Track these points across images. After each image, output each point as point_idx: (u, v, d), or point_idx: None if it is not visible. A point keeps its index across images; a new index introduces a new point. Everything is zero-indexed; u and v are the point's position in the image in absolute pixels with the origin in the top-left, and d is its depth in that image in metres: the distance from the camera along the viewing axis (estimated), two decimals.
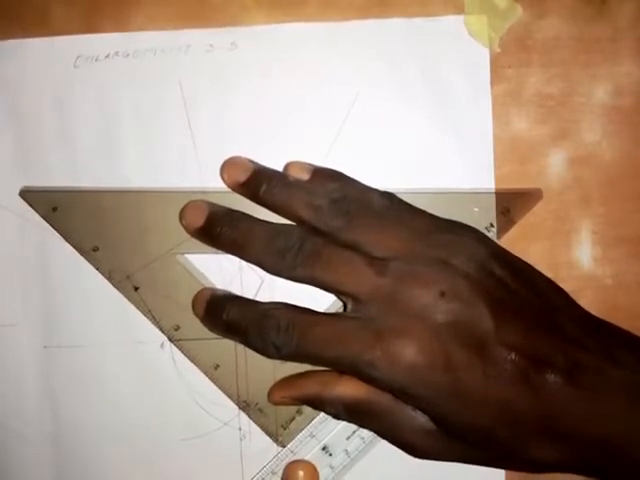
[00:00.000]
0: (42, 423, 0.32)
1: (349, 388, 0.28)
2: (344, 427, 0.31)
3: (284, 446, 0.31)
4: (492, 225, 0.30)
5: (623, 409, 0.25)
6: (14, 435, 0.32)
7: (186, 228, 0.30)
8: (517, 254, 0.29)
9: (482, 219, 0.30)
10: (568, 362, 0.25)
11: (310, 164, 0.30)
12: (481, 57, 0.31)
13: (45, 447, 0.32)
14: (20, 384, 0.32)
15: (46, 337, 0.32)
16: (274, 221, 0.29)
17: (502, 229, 0.31)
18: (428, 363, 0.25)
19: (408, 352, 0.25)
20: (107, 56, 0.31)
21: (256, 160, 0.31)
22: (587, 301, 0.30)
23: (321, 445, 0.31)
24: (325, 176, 0.29)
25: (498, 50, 0.31)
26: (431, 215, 0.29)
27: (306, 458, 0.31)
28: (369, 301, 0.27)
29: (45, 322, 0.32)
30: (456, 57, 0.31)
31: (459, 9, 0.31)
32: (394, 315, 0.26)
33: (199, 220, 0.29)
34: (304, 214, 0.28)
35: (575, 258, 0.32)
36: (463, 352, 0.25)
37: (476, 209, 0.30)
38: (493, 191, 0.31)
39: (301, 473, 0.30)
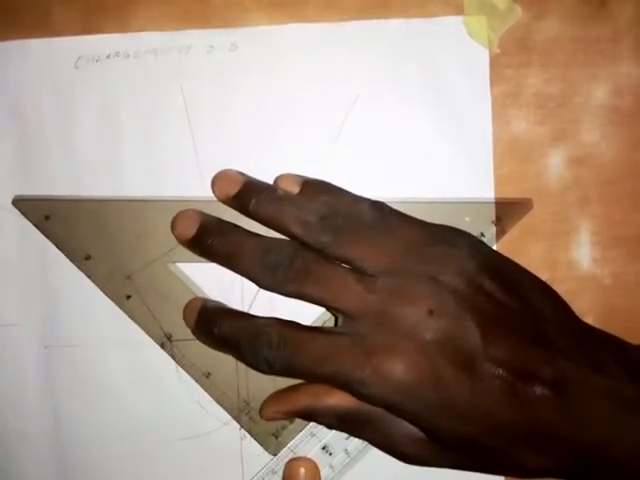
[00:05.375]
0: (43, 422, 0.32)
1: (341, 399, 0.28)
2: None
3: (275, 454, 0.31)
4: (483, 235, 0.30)
5: (607, 417, 0.26)
6: (15, 434, 0.32)
7: (177, 238, 0.30)
8: (516, 255, 0.29)
9: (473, 228, 0.30)
10: (554, 374, 0.26)
11: (300, 176, 0.30)
12: (481, 58, 0.31)
13: (46, 446, 0.32)
14: (21, 384, 0.32)
15: (47, 337, 0.32)
16: (267, 231, 0.29)
17: (493, 238, 0.31)
18: (417, 380, 0.26)
19: (397, 370, 0.26)
20: (108, 57, 0.31)
21: (256, 160, 0.31)
22: (586, 302, 0.30)
23: (321, 444, 0.31)
24: (315, 189, 0.29)
25: (498, 51, 0.31)
26: (423, 223, 0.29)
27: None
28: (359, 317, 0.27)
29: (46, 322, 0.32)
30: (456, 58, 0.31)
31: (458, 10, 0.31)
32: (384, 332, 0.26)
33: (190, 230, 0.29)
34: (294, 230, 0.28)
35: (574, 258, 0.32)
36: (451, 369, 0.26)
37: (467, 218, 0.30)
38: (484, 201, 0.31)
39: (302, 470, 0.30)
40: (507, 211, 0.31)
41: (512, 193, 0.31)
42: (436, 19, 0.31)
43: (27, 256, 0.32)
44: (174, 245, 0.30)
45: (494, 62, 0.31)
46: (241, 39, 0.31)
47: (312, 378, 0.28)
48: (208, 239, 0.29)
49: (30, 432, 0.32)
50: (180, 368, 0.31)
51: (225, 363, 0.30)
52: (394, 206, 0.29)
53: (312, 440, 0.31)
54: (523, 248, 0.31)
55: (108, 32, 0.31)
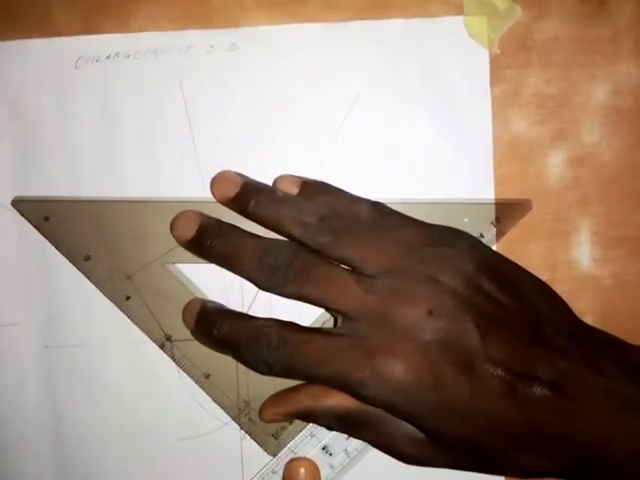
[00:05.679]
0: (43, 422, 0.32)
1: (340, 399, 0.28)
2: None
3: (275, 455, 0.31)
4: (482, 236, 0.30)
5: (607, 417, 0.26)
6: (15, 434, 0.32)
7: (177, 239, 0.30)
8: (516, 255, 0.29)
9: (472, 229, 0.30)
10: (553, 373, 0.26)
11: (299, 177, 0.30)
12: (481, 58, 0.31)
13: (46, 446, 0.32)
14: (21, 383, 0.32)
15: (47, 337, 0.32)
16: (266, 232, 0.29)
17: (492, 239, 0.31)
18: (416, 382, 0.26)
19: (396, 371, 0.26)
20: (108, 57, 0.31)
21: (256, 160, 0.31)
22: (586, 302, 0.30)
23: (321, 445, 0.31)
24: (314, 190, 0.29)
25: (498, 51, 0.31)
26: (422, 224, 0.29)
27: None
28: (359, 318, 0.27)
29: (46, 322, 0.32)
30: (456, 58, 0.31)
31: (459, 10, 0.31)
32: (383, 333, 0.26)
33: (190, 231, 0.29)
34: (293, 231, 0.28)
35: (574, 258, 0.32)
36: (450, 370, 0.26)
37: (466, 219, 0.30)
38: (483, 202, 0.31)
39: (302, 470, 0.30)
40: (506, 212, 0.31)
41: (512, 193, 0.31)
42: (436, 19, 0.31)
43: (27, 256, 0.32)
44: (173, 246, 0.30)
45: (494, 62, 0.31)
46: (241, 39, 0.31)
47: (311, 379, 0.28)
48: (207, 240, 0.29)
49: (30, 431, 0.32)
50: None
51: (225, 364, 0.30)
52: (393, 207, 0.29)
53: (312, 440, 0.31)
54: (523, 248, 0.31)
55: (108, 32, 0.31)
